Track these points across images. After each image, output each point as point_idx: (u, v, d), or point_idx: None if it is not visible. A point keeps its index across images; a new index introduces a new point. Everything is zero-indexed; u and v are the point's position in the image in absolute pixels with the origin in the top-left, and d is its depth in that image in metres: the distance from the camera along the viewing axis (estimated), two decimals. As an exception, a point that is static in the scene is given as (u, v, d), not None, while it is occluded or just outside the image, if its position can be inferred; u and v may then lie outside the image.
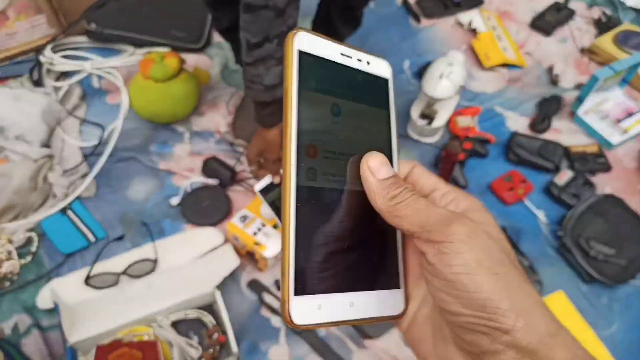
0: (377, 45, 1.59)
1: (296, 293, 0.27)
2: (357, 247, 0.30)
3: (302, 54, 0.31)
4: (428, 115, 1.32)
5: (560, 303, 1.08)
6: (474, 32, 1.62)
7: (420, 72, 1.51)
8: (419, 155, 1.33)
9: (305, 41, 0.31)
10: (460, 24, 1.66)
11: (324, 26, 1.30)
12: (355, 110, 0.33)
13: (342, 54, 0.33)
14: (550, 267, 1.14)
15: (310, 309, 0.27)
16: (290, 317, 0.26)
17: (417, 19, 1.66)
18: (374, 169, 0.30)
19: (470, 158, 1.31)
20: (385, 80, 0.36)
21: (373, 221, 0.31)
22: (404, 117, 1.38)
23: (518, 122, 1.42)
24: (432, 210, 0.29)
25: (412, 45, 1.61)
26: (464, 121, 1.35)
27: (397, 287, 0.31)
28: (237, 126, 1.31)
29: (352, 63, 0.33)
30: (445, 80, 1.21)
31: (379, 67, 0.36)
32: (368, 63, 0.35)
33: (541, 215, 1.22)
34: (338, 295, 0.28)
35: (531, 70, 1.56)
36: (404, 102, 1.43)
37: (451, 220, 0.28)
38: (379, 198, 0.30)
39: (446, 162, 1.11)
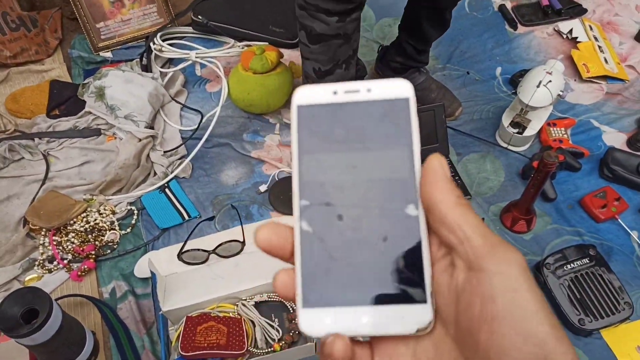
0: (470, 50, 1.57)
1: (304, 305, 0.27)
2: (368, 259, 0.28)
3: (301, 108, 0.30)
4: (519, 124, 1.29)
5: (650, 329, 1.03)
6: (573, 41, 1.57)
7: (512, 80, 1.48)
8: (506, 164, 1.30)
9: (305, 94, 0.30)
10: (559, 32, 1.61)
11: (411, 29, 1.29)
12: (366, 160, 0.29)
13: (347, 92, 0.29)
14: (642, 291, 1.09)
15: (320, 321, 0.27)
16: (300, 327, 0.27)
17: (514, 25, 1.62)
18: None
19: (561, 171, 1.27)
20: (405, 100, 0.29)
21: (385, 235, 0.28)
22: (494, 124, 1.36)
23: (615, 138, 1.36)
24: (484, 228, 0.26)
25: (506, 51, 1.58)
26: (556, 132, 1.31)
27: (423, 300, 0.27)
28: None
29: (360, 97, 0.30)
30: (543, 89, 1.18)
31: (395, 90, 0.30)
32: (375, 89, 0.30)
33: (635, 235, 1.17)
34: (349, 309, 0.27)
35: (633, 85, 1.48)
36: (494, 108, 1.41)
37: (494, 242, 0.26)
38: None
39: (538, 173, 1.09)
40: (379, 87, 0.29)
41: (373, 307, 0.27)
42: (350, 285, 0.27)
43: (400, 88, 0.29)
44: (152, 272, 1.03)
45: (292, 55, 1.52)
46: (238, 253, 1.11)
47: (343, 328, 0.27)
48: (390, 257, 0.28)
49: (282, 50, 1.38)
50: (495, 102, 1.44)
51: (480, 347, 0.25)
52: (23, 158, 1.26)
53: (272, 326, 1.00)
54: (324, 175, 0.28)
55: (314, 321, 0.27)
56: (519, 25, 1.63)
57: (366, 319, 0.27)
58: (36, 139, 1.28)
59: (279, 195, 1.21)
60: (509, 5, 1.69)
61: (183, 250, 1.10)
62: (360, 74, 1.35)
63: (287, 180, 1.24)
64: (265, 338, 0.99)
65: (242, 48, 1.42)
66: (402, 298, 0.27)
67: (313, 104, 0.29)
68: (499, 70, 1.53)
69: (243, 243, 1.11)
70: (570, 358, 0.24)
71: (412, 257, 0.27)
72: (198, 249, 1.10)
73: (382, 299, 0.27)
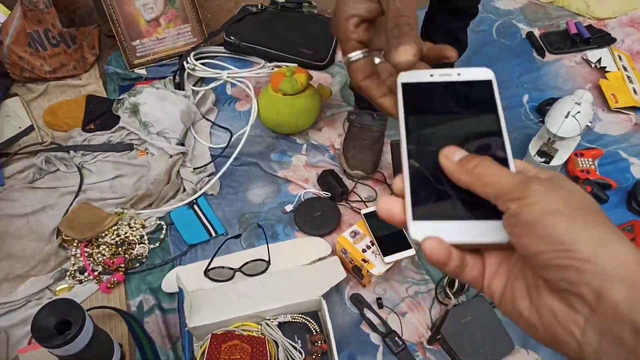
0: (497, 77, 1.56)
1: (414, 219, 0.34)
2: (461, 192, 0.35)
3: (405, 85, 0.39)
4: (546, 153, 1.29)
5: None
6: (601, 70, 1.57)
7: (539, 108, 1.48)
8: (532, 192, 1.30)
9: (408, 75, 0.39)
10: (587, 61, 1.61)
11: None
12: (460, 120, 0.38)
13: (441, 75, 0.39)
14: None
15: (425, 230, 0.34)
16: (410, 235, 0.34)
17: (542, 53, 1.63)
18: (449, 154, 0.34)
19: (588, 201, 1.27)
20: (489, 82, 0.39)
21: None
22: (521, 151, 1.36)
23: (644, 170, 1.35)
24: (508, 174, 0.32)
25: (534, 79, 1.58)
26: (584, 163, 1.31)
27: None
28: (349, 157, 1.31)
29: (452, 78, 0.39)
30: (572, 120, 1.19)
31: (480, 74, 0.39)
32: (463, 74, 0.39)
33: (663, 271, 1.15)
34: (450, 222, 0.34)
35: (663, 116, 1.48)
36: (521, 136, 1.42)
37: (528, 181, 0.31)
38: (458, 174, 0.33)
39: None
40: (466, 72, 0.39)
41: (468, 221, 0.34)
42: (449, 204, 0.35)
43: (483, 73, 0.39)
44: (179, 288, 1.05)
45: (321, 77, 1.55)
46: (263, 272, 1.13)
47: (445, 236, 0.33)
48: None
49: (311, 72, 1.41)
50: (521, 130, 1.44)
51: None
52: (58, 170, 1.31)
53: (294, 347, 1.01)
54: (424, 128, 0.37)
55: (420, 230, 0.34)
56: (546, 53, 1.64)
57: (463, 230, 0.34)
58: (71, 152, 1.33)
59: (305, 216, 1.23)
60: (537, 33, 1.70)
61: (210, 267, 1.13)
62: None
63: (313, 201, 1.26)
64: (288, 359, 1.00)
65: (272, 69, 1.45)
66: (494, 214, 0.33)
67: (414, 82, 0.39)
68: (526, 97, 1.53)
69: (268, 262, 1.13)
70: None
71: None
72: (224, 267, 1.12)
73: (477, 215, 0.34)
